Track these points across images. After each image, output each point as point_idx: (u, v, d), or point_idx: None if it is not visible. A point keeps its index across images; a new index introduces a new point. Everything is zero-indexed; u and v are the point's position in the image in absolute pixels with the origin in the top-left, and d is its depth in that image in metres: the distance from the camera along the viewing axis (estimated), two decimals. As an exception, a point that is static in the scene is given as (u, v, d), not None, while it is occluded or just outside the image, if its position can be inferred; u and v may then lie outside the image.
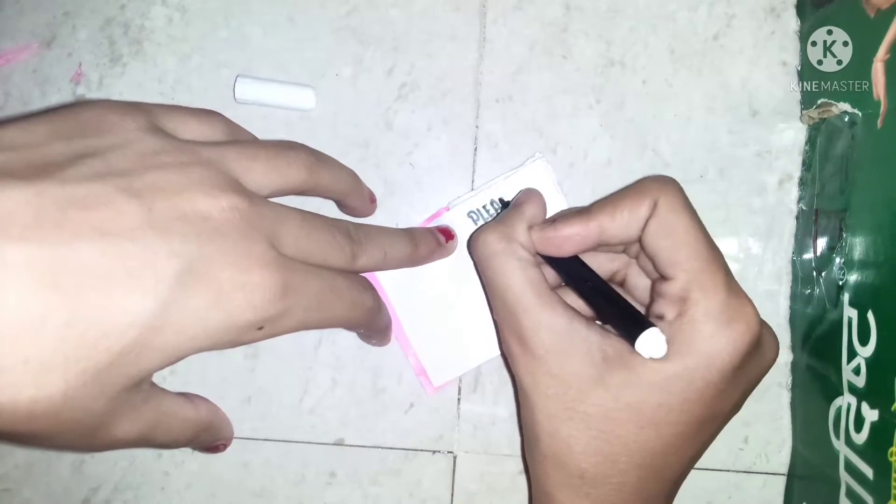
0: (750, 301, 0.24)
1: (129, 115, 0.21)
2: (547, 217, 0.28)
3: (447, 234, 0.31)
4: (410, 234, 0.29)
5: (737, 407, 0.25)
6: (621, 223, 0.24)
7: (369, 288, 0.27)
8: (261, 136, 0.32)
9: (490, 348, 0.32)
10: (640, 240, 0.25)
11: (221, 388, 0.32)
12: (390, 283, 0.32)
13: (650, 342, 0.22)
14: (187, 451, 0.33)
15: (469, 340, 0.32)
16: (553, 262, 0.27)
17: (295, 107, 0.32)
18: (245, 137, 0.25)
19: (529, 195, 0.28)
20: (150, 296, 0.18)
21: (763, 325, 0.24)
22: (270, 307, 0.21)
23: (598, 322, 0.26)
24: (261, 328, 0.21)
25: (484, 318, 0.31)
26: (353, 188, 0.29)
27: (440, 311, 0.32)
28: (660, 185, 0.24)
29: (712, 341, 0.23)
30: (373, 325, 0.28)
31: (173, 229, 0.18)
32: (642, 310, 0.28)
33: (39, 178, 0.17)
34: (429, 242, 0.30)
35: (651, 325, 0.22)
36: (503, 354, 0.32)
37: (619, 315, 0.24)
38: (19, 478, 0.33)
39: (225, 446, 0.31)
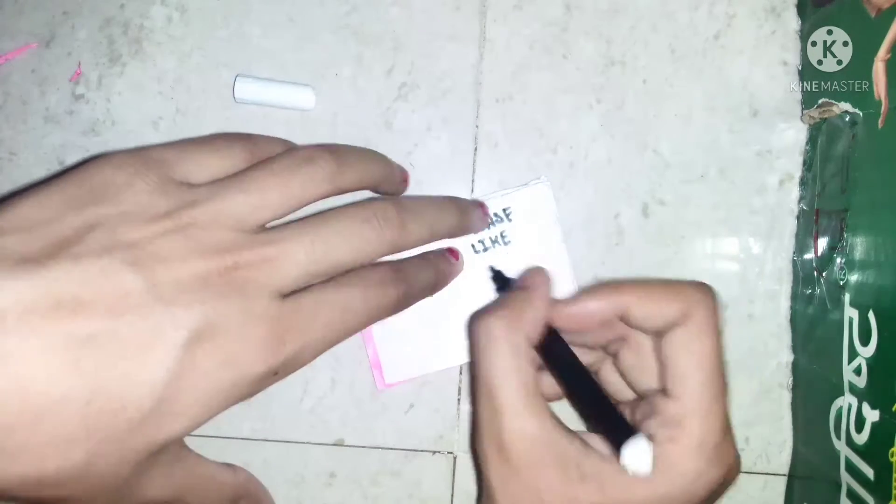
0: (734, 442, 0.24)
1: (138, 175, 0.22)
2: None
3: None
4: (455, 203, 0.29)
5: None
6: (646, 312, 0.24)
7: (392, 280, 0.25)
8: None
9: (449, 358, 0.32)
10: (656, 338, 0.24)
11: (221, 388, 0.32)
12: None
13: (637, 455, 0.22)
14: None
15: (430, 345, 0.32)
16: (544, 346, 0.25)
17: (295, 107, 0.32)
18: (268, 152, 0.25)
19: (541, 278, 0.26)
20: (160, 367, 0.19)
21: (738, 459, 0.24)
22: (280, 355, 0.21)
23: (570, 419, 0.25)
24: (276, 373, 0.22)
25: (449, 326, 0.31)
26: (383, 178, 0.28)
27: (409, 309, 0.30)
28: (701, 297, 0.23)
29: (697, 479, 0.22)
30: (411, 301, 0.27)
31: (177, 300, 0.20)
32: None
33: (54, 259, 0.19)
34: (480, 216, 0.30)
35: (641, 436, 0.22)
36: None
37: (607, 420, 0.23)
38: None
39: None
